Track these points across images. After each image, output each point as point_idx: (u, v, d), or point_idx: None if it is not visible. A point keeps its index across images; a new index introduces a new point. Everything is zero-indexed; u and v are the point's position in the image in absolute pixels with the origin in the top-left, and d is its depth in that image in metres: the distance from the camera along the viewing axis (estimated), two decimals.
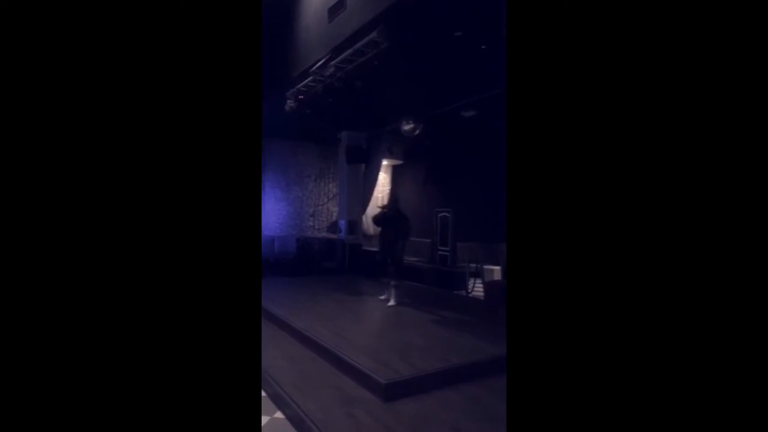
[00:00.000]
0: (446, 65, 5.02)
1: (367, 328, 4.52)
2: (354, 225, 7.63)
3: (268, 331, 4.57)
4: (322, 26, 5.83)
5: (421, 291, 6.51)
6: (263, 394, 3.18)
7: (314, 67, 5.76)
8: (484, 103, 5.65)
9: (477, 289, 6.97)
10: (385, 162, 8.44)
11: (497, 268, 6.48)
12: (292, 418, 2.74)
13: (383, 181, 9.05)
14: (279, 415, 2.85)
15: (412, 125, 6.33)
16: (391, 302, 5.34)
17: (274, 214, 9.11)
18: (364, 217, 8.37)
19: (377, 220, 5.64)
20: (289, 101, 6.47)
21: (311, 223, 9.42)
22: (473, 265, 6.85)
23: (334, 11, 5.43)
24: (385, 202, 8.91)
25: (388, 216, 5.51)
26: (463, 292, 6.83)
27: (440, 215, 7.43)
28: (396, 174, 9.17)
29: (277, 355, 3.75)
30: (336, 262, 8.96)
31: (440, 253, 7.43)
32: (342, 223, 7.66)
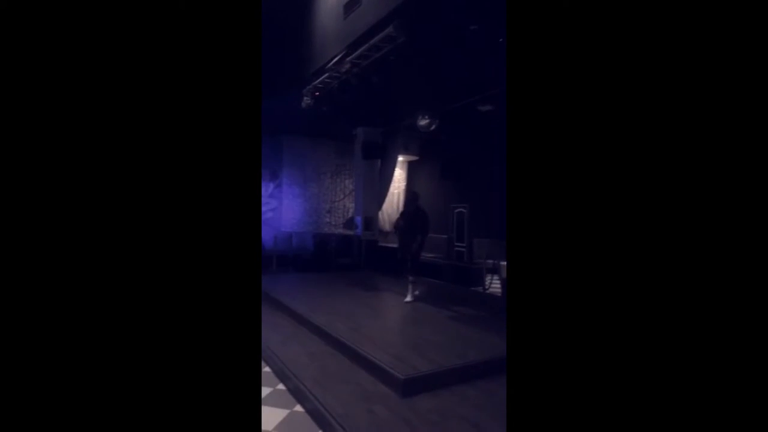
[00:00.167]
0: (462, 59, 4.97)
1: (385, 324, 4.55)
2: (370, 221, 7.64)
3: (287, 325, 4.64)
4: (337, 23, 5.83)
5: (438, 287, 6.50)
6: (283, 387, 3.23)
7: (330, 64, 5.78)
8: (500, 97, 5.58)
9: (494, 285, 6.92)
10: (400, 158, 8.41)
11: None
12: (312, 412, 2.78)
13: (399, 177, 9.03)
14: (299, 408, 2.89)
15: (427, 120, 6.29)
16: (408, 298, 5.35)
17: (292, 210, 9.20)
18: (380, 214, 8.38)
19: (397, 223, 5.66)
20: (305, 98, 6.51)
21: (328, 220, 9.48)
22: (490, 261, 6.80)
23: (349, 7, 5.43)
24: (401, 198, 8.92)
25: (409, 212, 5.51)
26: (480, 289, 6.79)
27: (456, 211, 7.38)
28: (412, 170, 9.14)
29: (296, 349, 3.80)
30: (352, 259, 9.01)
31: (457, 249, 7.39)
32: (358, 220, 7.68)
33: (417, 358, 3.28)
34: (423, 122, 6.30)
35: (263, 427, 2.61)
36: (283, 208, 9.16)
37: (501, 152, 6.66)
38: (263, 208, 9.08)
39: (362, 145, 7.23)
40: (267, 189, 9.16)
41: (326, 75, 5.95)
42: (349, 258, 9.03)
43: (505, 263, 6.21)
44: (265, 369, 3.62)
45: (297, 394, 3.06)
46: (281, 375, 3.41)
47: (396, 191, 8.96)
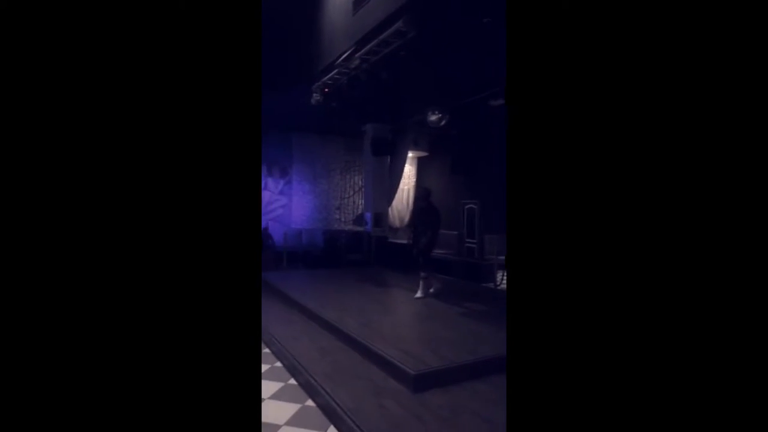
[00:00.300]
0: (473, 53, 4.93)
1: (396, 319, 4.54)
2: (380, 217, 7.64)
3: (298, 321, 4.66)
4: (346, 18, 5.82)
5: (448, 283, 6.47)
6: (295, 382, 3.25)
7: (339, 60, 5.78)
8: None
9: (505, 281, 6.88)
10: (410, 154, 8.38)
11: None
12: (323, 407, 2.79)
13: (409, 173, 9.01)
14: (310, 403, 2.91)
15: (438, 116, 6.25)
16: (418, 294, 5.34)
17: (301, 207, 9.24)
18: (390, 210, 8.37)
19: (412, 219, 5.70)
20: (315, 95, 6.52)
21: (337, 216, 9.51)
22: (501, 257, 6.76)
23: (358, 3, 5.41)
24: (411, 194, 8.89)
25: (420, 208, 5.51)
26: (492, 285, 6.75)
27: (467, 207, 7.33)
28: (422, 166, 9.11)
29: (307, 345, 3.82)
30: (362, 255, 9.02)
31: (467, 245, 7.35)
32: (368, 216, 7.68)
33: (428, 353, 3.27)
34: (433, 118, 6.26)
35: (275, 422, 2.63)
36: (293, 205, 9.21)
37: None
38: (273, 205, 9.13)
39: (372, 141, 7.22)
40: (277, 186, 9.21)
41: (335, 71, 5.95)
42: (359, 254, 9.05)
43: None
44: (276, 364, 3.65)
45: (308, 388, 3.07)
46: (292, 370, 3.43)
47: (406, 187, 8.94)
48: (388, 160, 7.69)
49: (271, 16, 6.38)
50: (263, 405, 2.84)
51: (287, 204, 9.22)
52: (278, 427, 2.58)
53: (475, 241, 7.20)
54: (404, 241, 8.43)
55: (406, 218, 9.08)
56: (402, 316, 4.71)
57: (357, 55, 5.34)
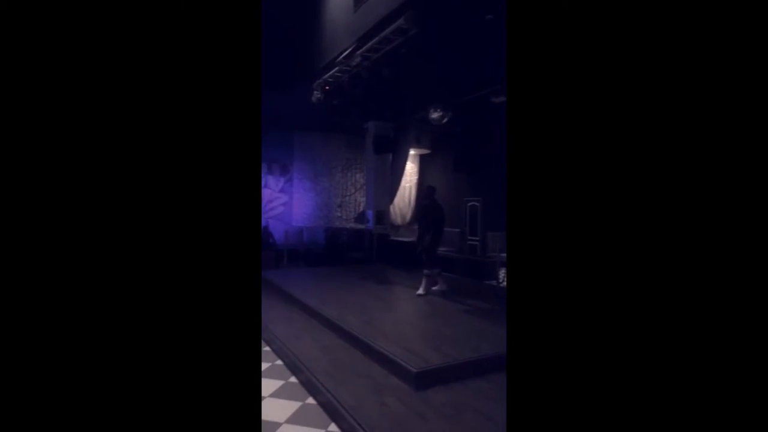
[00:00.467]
0: (476, 50, 4.89)
1: (397, 317, 4.53)
2: (381, 215, 7.61)
3: (299, 319, 4.65)
4: (347, 15, 5.79)
5: (451, 281, 6.46)
6: (296, 380, 3.24)
7: (340, 58, 5.75)
8: None
9: None
10: (412, 151, 8.35)
11: None
12: (324, 405, 2.78)
13: (411, 171, 8.98)
14: (311, 401, 2.90)
15: (440, 113, 6.22)
16: (420, 291, 5.33)
17: (303, 205, 9.23)
18: (391, 207, 8.35)
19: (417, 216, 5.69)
20: (315, 92, 6.49)
21: (339, 214, 9.49)
22: (504, 254, 6.73)
23: (359, 0, 5.38)
24: (413, 192, 8.87)
25: (424, 206, 5.50)
26: (494, 282, 6.73)
27: (469, 204, 7.32)
28: (424, 163, 9.08)
29: (309, 343, 3.81)
30: (364, 252, 9.01)
31: (470, 242, 7.33)
32: (369, 214, 7.66)
33: (430, 351, 3.25)
34: (435, 115, 6.23)
35: (276, 420, 2.62)
36: (294, 203, 9.20)
37: None
38: (274, 203, 9.13)
39: (373, 139, 7.19)
40: (277, 184, 9.20)
41: (336, 69, 5.92)
42: (360, 252, 9.03)
43: None
44: (277, 362, 3.64)
45: (309, 386, 3.06)
46: (293, 368, 3.42)
47: (408, 185, 8.92)
48: (390, 157, 7.67)
49: (271, 14, 6.37)
50: (263, 403, 2.83)
51: (288, 202, 9.21)
52: (278, 425, 2.57)
53: (477, 238, 7.18)
54: (406, 239, 8.42)
55: (408, 216, 9.06)
56: (404, 314, 4.70)
57: (358, 52, 5.31)
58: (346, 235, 9.30)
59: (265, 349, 3.95)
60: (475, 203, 7.20)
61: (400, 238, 8.57)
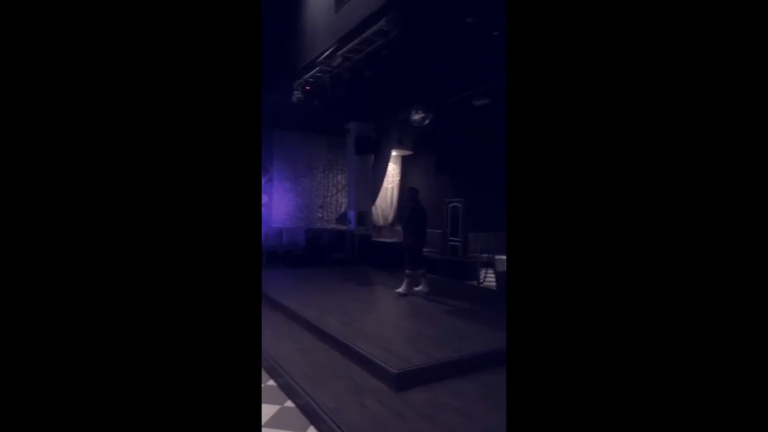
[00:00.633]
0: (457, 53, 4.93)
1: (378, 318, 4.51)
2: (363, 216, 7.60)
3: (279, 322, 4.59)
4: (328, 16, 5.76)
5: (432, 281, 6.49)
6: (274, 383, 3.19)
7: (321, 58, 5.71)
8: (496, 90, 5.55)
9: (489, 279, 6.92)
10: (394, 152, 8.38)
11: None
12: (303, 408, 2.74)
13: (393, 172, 9.00)
14: (290, 404, 2.85)
15: (422, 115, 6.25)
16: (400, 289, 5.33)
17: (283, 205, 9.12)
18: (373, 208, 8.34)
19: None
20: (296, 92, 6.43)
21: (320, 215, 9.42)
22: (485, 255, 6.80)
23: (341, 0, 5.36)
24: (395, 193, 8.89)
25: (409, 208, 5.52)
26: (475, 282, 6.79)
27: (451, 205, 7.37)
28: (406, 164, 9.11)
29: (288, 345, 3.76)
30: (345, 253, 8.96)
31: (451, 243, 7.38)
32: (351, 214, 7.64)
33: (411, 351, 3.25)
34: (417, 117, 6.26)
35: None
36: (273, 204, 9.08)
37: (496, 146, 6.67)
38: None
39: (355, 140, 7.18)
40: None
41: (317, 69, 5.88)
42: (342, 253, 8.98)
43: (499, 257, 6.22)
44: None
45: (288, 389, 3.02)
46: (272, 371, 3.36)
47: (390, 186, 8.94)
48: (372, 158, 7.66)
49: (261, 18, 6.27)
50: None
51: (267, 203, 9.08)
52: None
53: (458, 239, 7.23)
54: (388, 240, 8.42)
55: (390, 217, 9.07)
56: (385, 315, 4.68)
57: (339, 53, 5.29)
58: (327, 236, 9.24)
59: None
60: (457, 204, 7.26)
61: (382, 239, 8.57)
